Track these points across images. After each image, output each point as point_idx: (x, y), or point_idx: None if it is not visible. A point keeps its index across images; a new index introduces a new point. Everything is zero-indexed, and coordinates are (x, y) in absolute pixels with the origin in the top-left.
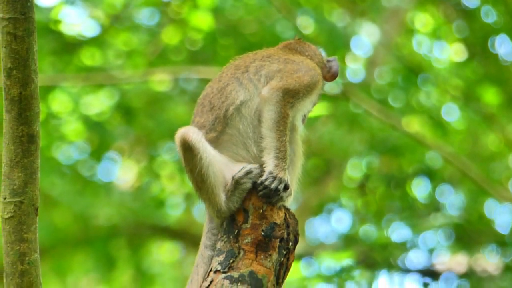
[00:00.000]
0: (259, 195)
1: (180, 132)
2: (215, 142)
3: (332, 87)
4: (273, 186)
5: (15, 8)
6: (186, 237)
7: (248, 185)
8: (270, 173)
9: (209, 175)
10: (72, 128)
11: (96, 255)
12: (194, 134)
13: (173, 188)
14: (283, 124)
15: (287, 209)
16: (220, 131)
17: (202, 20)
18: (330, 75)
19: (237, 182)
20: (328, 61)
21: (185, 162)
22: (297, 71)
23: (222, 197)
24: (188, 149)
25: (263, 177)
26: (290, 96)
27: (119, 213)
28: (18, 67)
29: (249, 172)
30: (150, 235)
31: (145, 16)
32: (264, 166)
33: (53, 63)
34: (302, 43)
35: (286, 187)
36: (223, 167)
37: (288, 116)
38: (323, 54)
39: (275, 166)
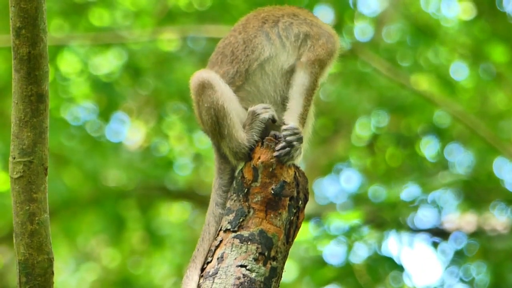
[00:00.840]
0: (276, 153)
1: (197, 74)
2: None
3: (340, 46)
4: (290, 139)
5: None
6: (195, 197)
7: (265, 115)
8: (293, 128)
9: (232, 109)
10: (81, 88)
11: (105, 216)
12: (211, 73)
13: (182, 149)
14: (311, 94)
15: (296, 168)
16: (238, 86)
17: None
18: None
19: (254, 113)
20: None
21: (203, 100)
22: (321, 36)
23: (242, 131)
24: (208, 86)
25: (286, 130)
26: (321, 68)
27: (128, 174)
28: (27, 26)
29: (266, 107)
30: (159, 196)
31: None
32: (285, 121)
33: (61, 25)
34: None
35: (297, 149)
36: (239, 107)
37: (318, 88)
38: None
39: (298, 124)
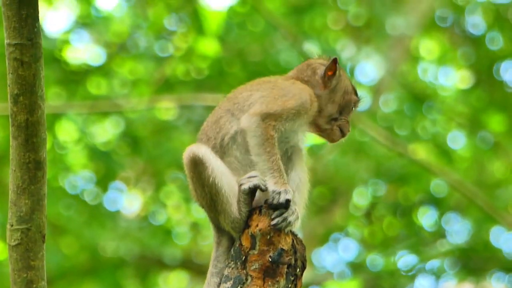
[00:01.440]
0: (274, 221)
1: (189, 149)
2: None
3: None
4: (281, 200)
5: (21, 34)
6: (193, 267)
7: (245, 186)
8: (273, 191)
9: (223, 184)
10: (78, 157)
11: (103, 285)
12: (203, 148)
13: (179, 218)
14: (269, 145)
15: (294, 235)
16: (220, 158)
17: (208, 47)
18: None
19: (239, 185)
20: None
21: (196, 177)
22: (282, 96)
23: (235, 205)
24: (199, 162)
25: (269, 199)
26: (272, 119)
27: (125, 244)
28: (25, 93)
29: (251, 176)
30: (157, 265)
31: (151, 44)
32: (266, 188)
33: (59, 93)
34: (304, 64)
35: (288, 202)
36: (233, 179)
37: (272, 137)
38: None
39: (274, 184)
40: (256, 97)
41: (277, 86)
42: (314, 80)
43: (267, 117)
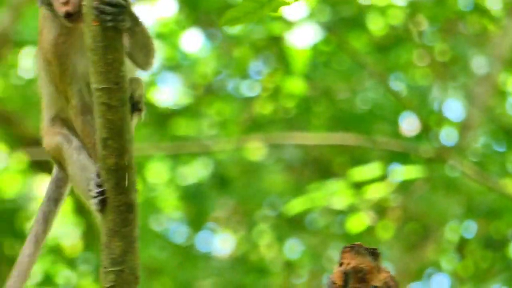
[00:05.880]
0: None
1: None
2: None
3: (426, 151)
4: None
5: (108, 78)
6: None
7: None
8: None
9: None
10: (169, 199)
11: None
12: None
13: (272, 257)
14: None
15: (387, 271)
16: None
17: (295, 86)
18: None
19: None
20: None
21: None
22: None
23: None
24: None
25: None
26: None
27: (219, 284)
28: (113, 137)
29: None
30: None
31: (237, 84)
32: None
33: (149, 135)
34: None
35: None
36: None
37: None
38: None
39: None
40: None
41: None
42: None
43: None
